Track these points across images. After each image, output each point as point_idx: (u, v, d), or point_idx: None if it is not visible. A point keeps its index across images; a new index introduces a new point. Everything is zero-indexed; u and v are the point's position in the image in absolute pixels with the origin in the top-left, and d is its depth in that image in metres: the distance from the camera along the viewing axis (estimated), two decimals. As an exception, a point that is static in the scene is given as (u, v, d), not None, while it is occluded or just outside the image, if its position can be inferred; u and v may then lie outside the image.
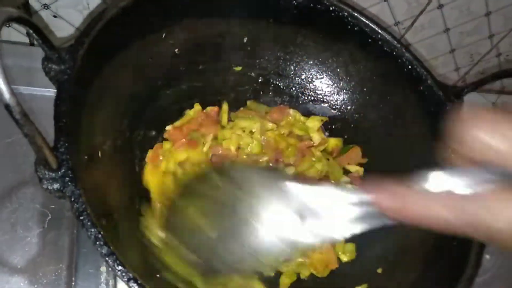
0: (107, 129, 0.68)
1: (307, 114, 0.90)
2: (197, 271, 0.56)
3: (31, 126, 0.45)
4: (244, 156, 0.80)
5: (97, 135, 0.65)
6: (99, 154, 0.64)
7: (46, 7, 0.90)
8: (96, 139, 0.65)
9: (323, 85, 0.90)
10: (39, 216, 0.75)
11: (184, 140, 0.78)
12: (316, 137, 0.86)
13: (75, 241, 0.74)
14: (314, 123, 0.88)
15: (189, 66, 0.82)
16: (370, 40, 0.81)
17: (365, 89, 0.87)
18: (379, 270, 0.76)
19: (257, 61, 0.87)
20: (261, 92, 0.90)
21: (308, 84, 0.91)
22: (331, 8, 0.80)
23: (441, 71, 1.30)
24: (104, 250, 0.50)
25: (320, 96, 0.91)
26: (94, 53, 0.61)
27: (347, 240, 0.78)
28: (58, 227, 0.75)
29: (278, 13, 0.82)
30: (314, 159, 0.83)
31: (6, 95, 0.42)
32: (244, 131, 0.81)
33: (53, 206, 0.76)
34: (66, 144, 0.52)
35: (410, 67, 0.79)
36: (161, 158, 0.77)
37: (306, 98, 0.91)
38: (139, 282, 0.50)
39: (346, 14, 0.80)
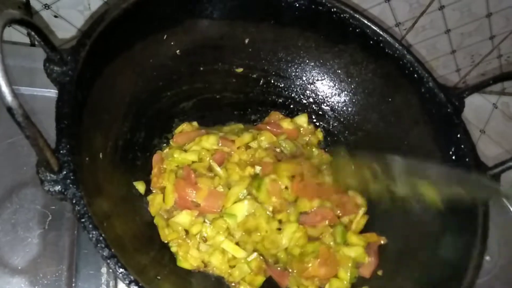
0: (109, 131, 0.68)
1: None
2: None
3: (33, 128, 0.45)
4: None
5: (99, 136, 0.65)
6: (100, 156, 0.64)
7: (47, 7, 0.90)
8: (98, 140, 0.65)
9: (324, 86, 0.90)
10: (40, 217, 0.75)
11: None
12: (304, 124, 0.88)
13: (76, 242, 0.74)
14: (302, 119, 0.90)
15: (190, 67, 0.83)
16: (371, 42, 0.81)
17: (366, 91, 0.87)
18: (379, 272, 0.76)
19: (258, 62, 0.87)
20: (262, 94, 0.90)
21: (309, 86, 0.91)
22: (332, 10, 0.80)
23: (442, 72, 1.30)
24: (106, 252, 0.50)
25: (321, 98, 0.91)
26: (96, 55, 0.61)
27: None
28: (59, 228, 0.75)
29: (279, 15, 0.82)
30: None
31: (9, 97, 0.42)
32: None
33: (53, 207, 0.76)
34: (68, 146, 0.52)
35: (411, 68, 0.79)
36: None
37: (307, 99, 0.91)
38: (140, 284, 0.50)
39: (347, 15, 0.80)
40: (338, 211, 0.80)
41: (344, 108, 0.90)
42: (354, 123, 0.89)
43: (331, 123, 0.91)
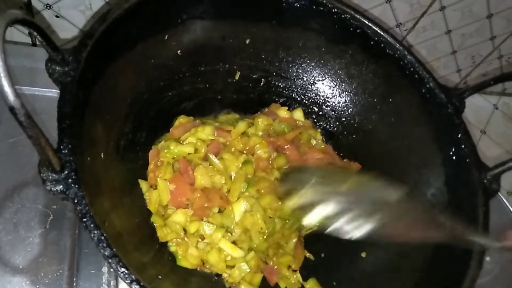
0: (110, 131, 0.68)
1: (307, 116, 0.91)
2: None
3: (35, 128, 0.45)
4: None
5: (100, 136, 0.65)
6: (102, 156, 0.65)
7: (48, 7, 0.90)
8: (99, 140, 0.65)
9: (325, 87, 0.90)
10: (41, 216, 0.75)
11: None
12: (300, 118, 0.89)
13: (77, 242, 0.74)
14: (297, 114, 0.90)
15: (191, 67, 0.83)
16: (372, 42, 0.81)
17: (366, 91, 0.87)
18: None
19: (259, 63, 0.88)
20: (263, 94, 0.90)
21: (310, 86, 0.91)
22: (333, 10, 0.80)
23: (443, 72, 1.30)
24: (107, 252, 0.50)
25: (322, 98, 0.91)
26: (98, 55, 0.61)
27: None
28: (60, 228, 0.75)
29: (280, 15, 0.82)
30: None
31: (11, 97, 0.42)
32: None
33: (55, 207, 0.76)
34: (70, 146, 0.52)
35: (412, 69, 0.79)
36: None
37: (307, 100, 0.91)
38: (141, 284, 0.50)
39: (348, 16, 0.81)
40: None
41: (345, 108, 0.90)
42: (354, 124, 0.89)
43: (331, 123, 0.91)
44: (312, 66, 0.89)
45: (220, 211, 0.74)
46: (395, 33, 1.11)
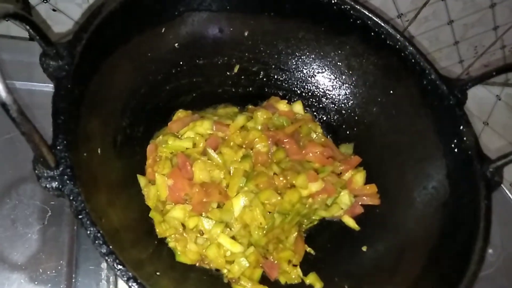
0: (107, 126, 0.67)
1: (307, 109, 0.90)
2: None
3: (28, 124, 0.44)
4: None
5: (97, 132, 0.64)
6: (99, 151, 0.64)
7: (45, 1, 0.89)
8: (96, 136, 0.64)
9: (325, 79, 0.89)
10: (39, 212, 0.75)
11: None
12: (300, 111, 0.89)
13: (76, 238, 0.73)
14: (297, 107, 0.89)
15: (189, 61, 0.82)
16: (372, 33, 0.80)
17: (367, 83, 0.86)
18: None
19: (258, 55, 0.86)
20: (263, 87, 0.89)
21: (309, 79, 0.90)
22: (333, 1, 0.79)
23: (445, 63, 1.28)
24: (104, 249, 0.49)
25: (322, 91, 0.90)
26: (93, 49, 0.60)
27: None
28: (58, 224, 0.75)
29: (279, 7, 0.81)
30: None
31: (3, 93, 0.41)
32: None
33: (53, 203, 0.76)
34: (65, 142, 0.52)
35: (413, 60, 0.78)
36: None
37: (307, 93, 0.90)
38: (138, 281, 0.49)
39: (348, 7, 0.79)
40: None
41: (345, 101, 0.89)
42: (355, 116, 0.88)
43: (331, 116, 0.90)
44: (312, 58, 0.88)
45: (219, 206, 0.73)
46: (396, 24, 1.09)
